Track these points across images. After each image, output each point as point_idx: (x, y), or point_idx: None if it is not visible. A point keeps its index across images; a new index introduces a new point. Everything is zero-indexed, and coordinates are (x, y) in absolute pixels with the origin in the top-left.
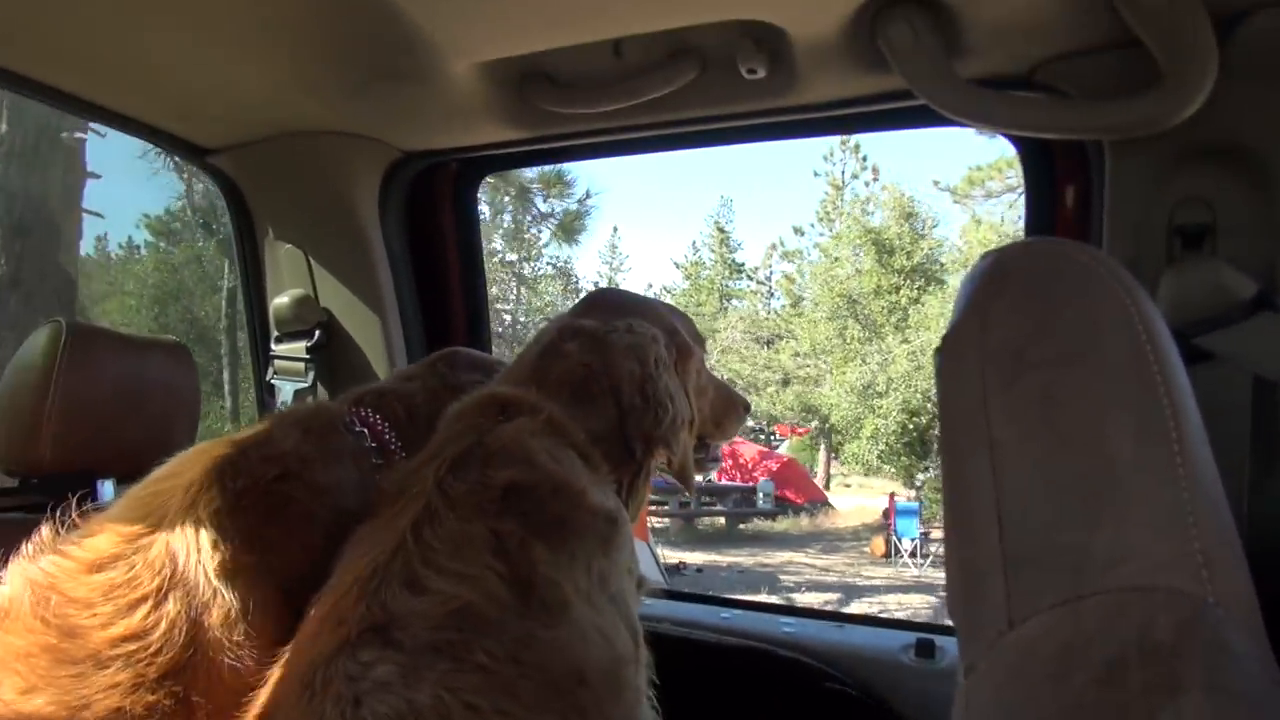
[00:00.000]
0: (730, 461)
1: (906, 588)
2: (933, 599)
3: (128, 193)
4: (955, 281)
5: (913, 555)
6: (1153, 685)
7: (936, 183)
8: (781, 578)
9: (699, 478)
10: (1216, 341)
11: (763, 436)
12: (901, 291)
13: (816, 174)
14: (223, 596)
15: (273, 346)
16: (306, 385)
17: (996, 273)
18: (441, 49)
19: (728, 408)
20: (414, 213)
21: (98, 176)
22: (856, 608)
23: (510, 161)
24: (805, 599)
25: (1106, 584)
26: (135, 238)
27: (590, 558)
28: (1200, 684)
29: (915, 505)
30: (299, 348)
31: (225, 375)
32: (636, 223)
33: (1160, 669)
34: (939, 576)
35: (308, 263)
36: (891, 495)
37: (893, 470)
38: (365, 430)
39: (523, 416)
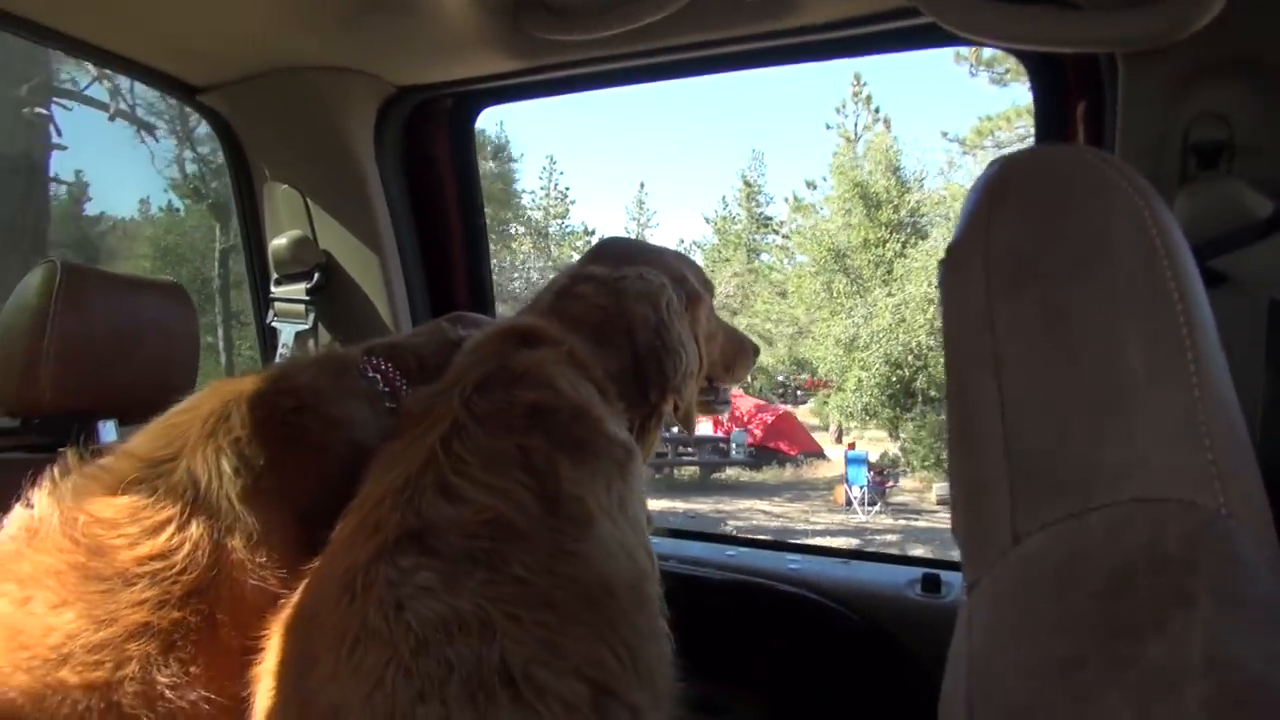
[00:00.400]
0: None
1: (839, 532)
2: (856, 541)
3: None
4: (937, 234)
5: (861, 503)
6: (1161, 596)
7: (945, 134)
8: (729, 523)
9: (708, 419)
10: (1232, 263)
11: (787, 390)
12: (887, 245)
13: (829, 126)
14: (245, 520)
15: (272, 289)
16: (307, 327)
17: (1003, 179)
18: None
19: (737, 352)
20: (410, 149)
21: (64, 148)
22: None
23: (507, 94)
24: None
25: (1114, 496)
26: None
27: (609, 479)
28: (1210, 594)
29: (864, 454)
30: (298, 289)
31: (220, 333)
32: (664, 176)
33: (1168, 579)
34: (883, 523)
35: (305, 203)
36: (851, 444)
37: (878, 422)
38: (378, 376)
39: (544, 347)
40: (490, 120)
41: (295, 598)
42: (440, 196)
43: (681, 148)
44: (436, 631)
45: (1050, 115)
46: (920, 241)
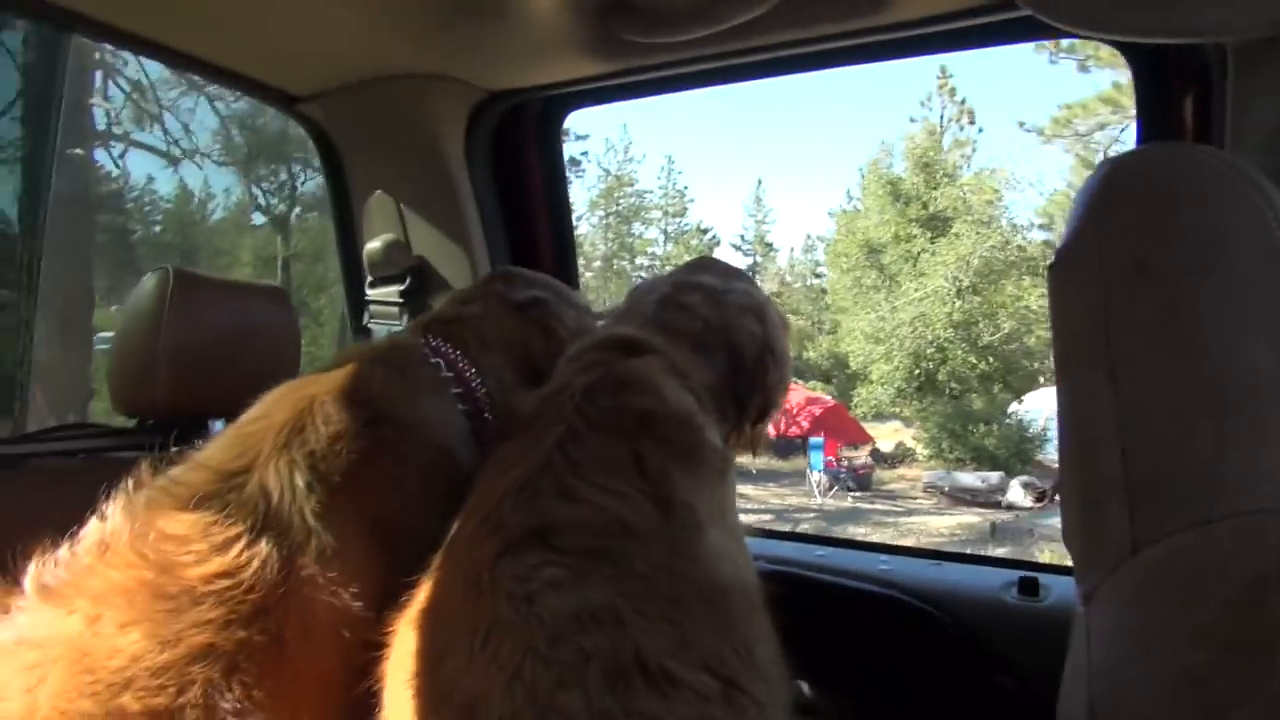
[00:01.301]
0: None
1: (779, 509)
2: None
3: None
4: (960, 228)
5: (818, 485)
6: None
7: (1022, 124)
8: None
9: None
10: None
11: None
12: (915, 240)
13: (913, 119)
14: (318, 536)
15: (367, 291)
16: (402, 328)
17: (1114, 180)
18: None
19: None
20: (500, 153)
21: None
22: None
23: (595, 97)
24: None
25: (1241, 506)
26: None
27: (712, 487)
28: None
29: (820, 440)
30: (392, 292)
31: None
32: (784, 172)
33: None
34: (831, 505)
35: (398, 207)
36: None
37: (908, 412)
38: (440, 361)
39: (648, 355)
40: (612, 124)
41: (419, 594)
42: (529, 199)
43: (801, 143)
44: (569, 623)
45: (1155, 110)
46: (941, 238)
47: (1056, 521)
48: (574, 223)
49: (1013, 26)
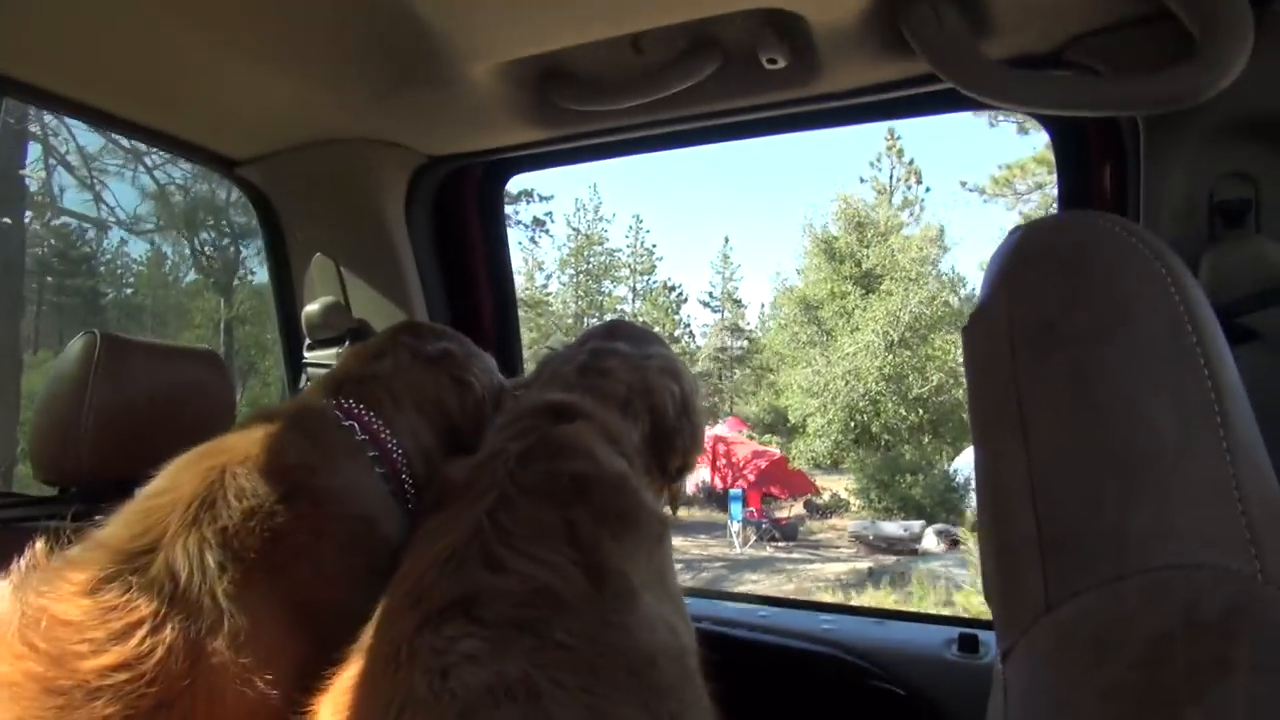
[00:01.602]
0: (725, 461)
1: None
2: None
3: None
4: (889, 285)
5: (737, 535)
6: (1199, 665)
7: (964, 183)
8: None
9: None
10: (1261, 320)
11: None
12: (849, 297)
13: (862, 180)
14: (231, 619)
15: (305, 354)
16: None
17: (1025, 246)
18: (462, 51)
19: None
20: (440, 217)
21: None
22: None
23: (535, 162)
24: None
25: (1148, 563)
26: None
27: (650, 551)
28: (1250, 664)
29: (740, 492)
30: (330, 354)
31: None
32: (747, 233)
33: (1207, 649)
34: (746, 555)
35: (337, 270)
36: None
37: (848, 464)
38: (354, 424)
39: (579, 420)
40: (582, 184)
41: (341, 672)
42: (470, 263)
43: (768, 197)
44: (483, 697)
45: (1073, 178)
46: (881, 295)
47: (940, 565)
48: (544, 281)
49: (937, 99)
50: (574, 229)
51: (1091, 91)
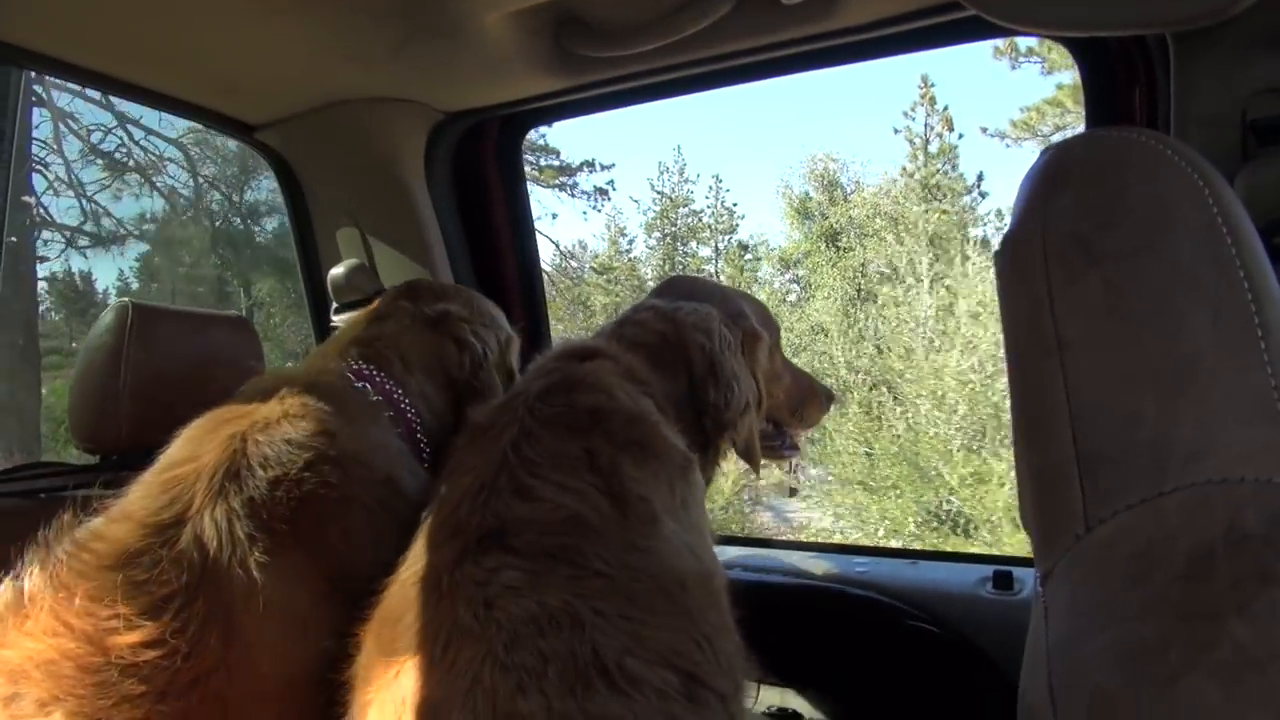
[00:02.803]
0: None
1: None
2: None
3: None
4: (848, 242)
5: None
6: (1242, 578)
7: (984, 129)
8: None
9: (777, 466)
10: None
11: None
12: (822, 255)
13: (895, 130)
14: (264, 590)
15: (332, 317)
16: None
17: (1057, 165)
18: (474, 1)
19: (806, 396)
20: (460, 173)
21: None
22: None
23: (552, 113)
24: None
25: (1189, 478)
26: None
27: (672, 481)
28: None
29: None
30: None
31: None
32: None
33: (1250, 561)
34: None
35: (360, 231)
36: None
37: None
38: (367, 385)
39: (601, 359)
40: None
41: (381, 600)
42: (491, 217)
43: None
44: (527, 626)
45: (1101, 100)
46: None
47: None
48: (627, 245)
49: (961, 27)
50: (658, 192)
51: (1120, 10)
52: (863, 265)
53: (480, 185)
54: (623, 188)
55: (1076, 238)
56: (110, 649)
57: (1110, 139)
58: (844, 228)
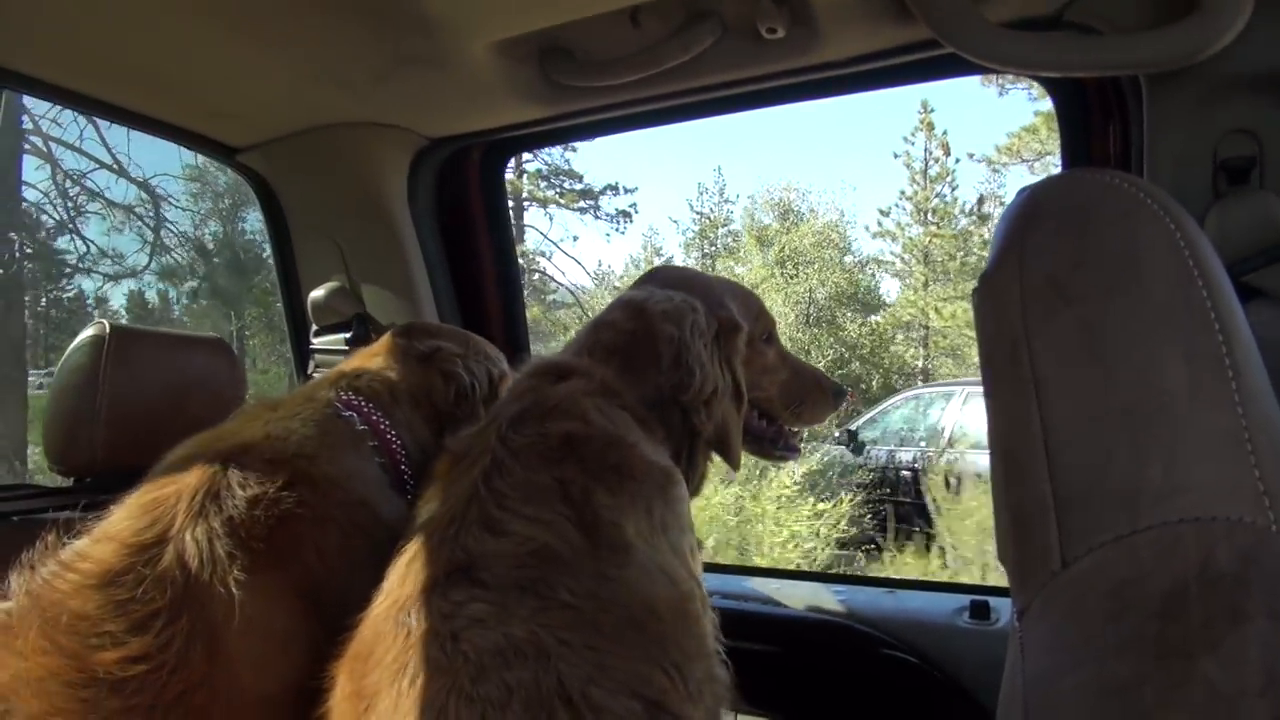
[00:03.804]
0: None
1: None
2: None
3: None
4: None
5: None
6: (1215, 616)
7: (971, 155)
8: None
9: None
10: (1266, 277)
11: None
12: (776, 278)
13: (895, 155)
14: (243, 607)
15: (311, 340)
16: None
17: (1033, 206)
18: (458, 30)
19: (808, 391)
20: (443, 198)
21: None
22: None
23: (535, 141)
24: None
25: (1162, 517)
26: None
27: (650, 503)
28: (1265, 612)
29: None
30: (338, 340)
31: None
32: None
33: (1222, 599)
34: None
35: (341, 254)
36: None
37: None
38: (354, 414)
39: (575, 378)
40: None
41: (353, 636)
42: (473, 243)
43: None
44: (494, 658)
45: (1076, 138)
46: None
47: None
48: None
49: (938, 64)
50: (697, 213)
51: (1092, 52)
52: (809, 292)
53: (463, 210)
54: (645, 209)
55: (1052, 278)
56: (97, 665)
57: (1085, 181)
58: (790, 255)
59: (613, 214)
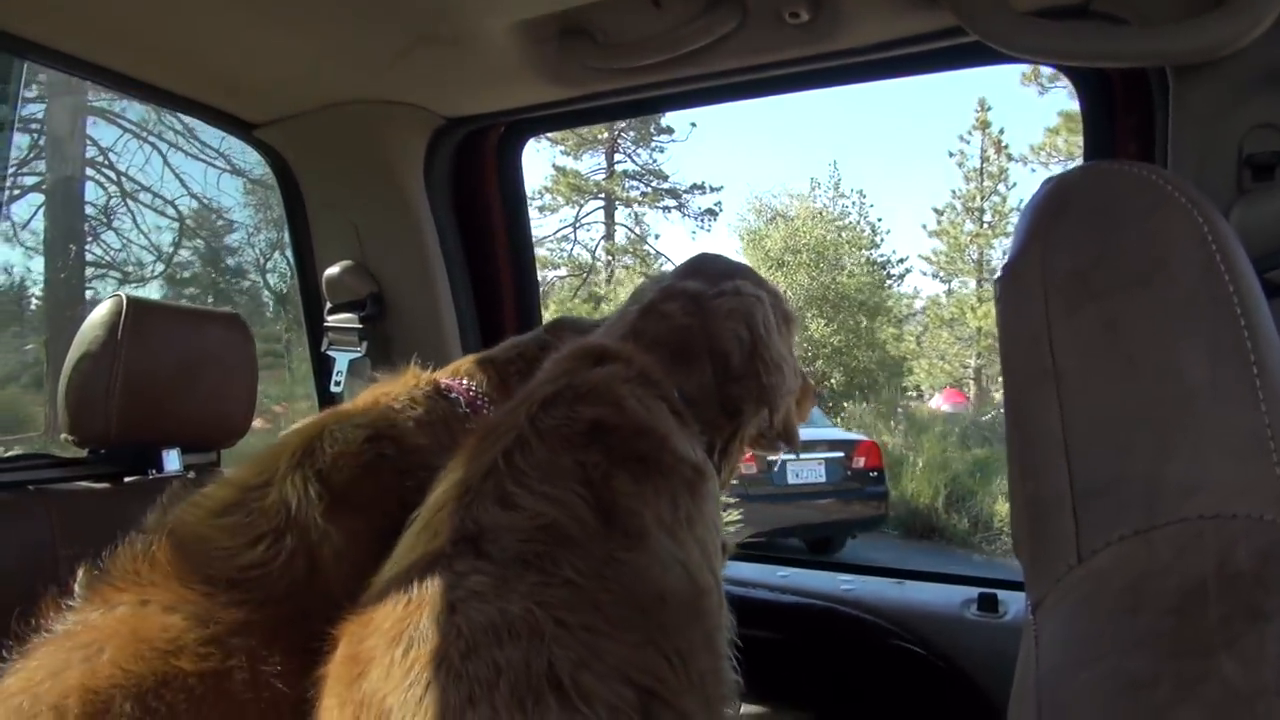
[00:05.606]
0: None
1: None
2: None
3: None
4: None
5: None
6: (1232, 614)
7: (1010, 155)
8: None
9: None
10: None
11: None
12: (771, 276)
13: (950, 154)
14: (330, 538)
15: (326, 318)
16: (360, 354)
17: (1057, 197)
18: (479, 9)
19: (805, 389)
20: (459, 178)
21: None
22: None
23: (553, 122)
24: None
25: (1181, 513)
26: None
27: (676, 497)
28: None
29: None
30: (352, 318)
31: None
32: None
33: (1240, 598)
34: None
35: (356, 233)
36: None
37: None
38: (460, 396)
39: (614, 364)
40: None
41: (365, 599)
42: (489, 225)
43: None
44: (486, 635)
45: (1100, 130)
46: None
47: None
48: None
49: (963, 52)
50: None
51: (1119, 42)
52: (785, 291)
53: (479, 191)
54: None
55: (1075, 270)
56: (221, 571)
57: (1110, 172)
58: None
59: (698, 213)
